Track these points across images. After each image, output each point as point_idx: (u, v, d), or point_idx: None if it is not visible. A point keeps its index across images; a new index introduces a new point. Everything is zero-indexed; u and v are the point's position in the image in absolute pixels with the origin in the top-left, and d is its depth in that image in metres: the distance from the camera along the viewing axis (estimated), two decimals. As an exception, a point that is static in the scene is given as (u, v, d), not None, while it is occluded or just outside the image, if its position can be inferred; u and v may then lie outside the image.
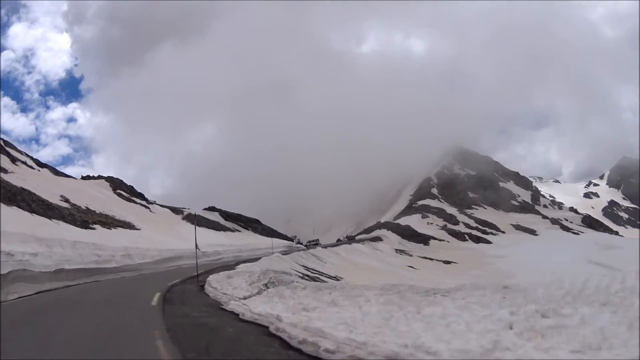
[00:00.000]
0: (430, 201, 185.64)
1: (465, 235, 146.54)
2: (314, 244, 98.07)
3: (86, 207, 56.44)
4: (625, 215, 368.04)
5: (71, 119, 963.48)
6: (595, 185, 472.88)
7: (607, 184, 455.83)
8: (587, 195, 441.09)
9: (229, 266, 33.30)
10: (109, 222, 50.72)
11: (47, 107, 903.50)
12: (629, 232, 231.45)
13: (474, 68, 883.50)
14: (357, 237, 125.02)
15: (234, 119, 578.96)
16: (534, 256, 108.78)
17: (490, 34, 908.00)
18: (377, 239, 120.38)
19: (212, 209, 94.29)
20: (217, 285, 18.29)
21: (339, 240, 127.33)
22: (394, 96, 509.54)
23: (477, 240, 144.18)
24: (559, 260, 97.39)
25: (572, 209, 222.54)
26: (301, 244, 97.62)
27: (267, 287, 15.99)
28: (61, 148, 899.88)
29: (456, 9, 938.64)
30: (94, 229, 41.99)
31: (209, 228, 77.78)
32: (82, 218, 44.77)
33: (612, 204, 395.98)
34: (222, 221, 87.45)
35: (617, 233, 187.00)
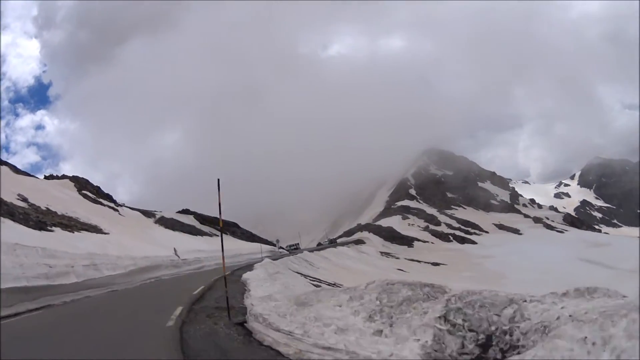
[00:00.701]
0: (409, 202, 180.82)
1: (449, 236, 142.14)
2: (294, 248, 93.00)
3: (46, 208, 49.34)
4: (599, 215, 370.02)
5: (39, 127, 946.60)
6: (566, 185, 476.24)
7: (578, 184, 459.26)
8: (557, 196, 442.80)
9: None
10: (71, 224, 43.70)
11: (17, 115, 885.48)
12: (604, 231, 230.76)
13: (451, 69, 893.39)
14: (338, 240, 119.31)
15: (206, 122, 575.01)
16: (522, 255, 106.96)
17: (470, 35, 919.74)
18: (360, 241, 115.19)
19: (186, 211, 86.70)
20: (286, 323, 9.10)
21: (319, 244, 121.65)
22: (369, 98, 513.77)
23: (462, 240, 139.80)
24: (549, 259, 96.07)
25: (552, 208, 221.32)
26: (283, 248, 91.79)
27: (453, 327, 6.83)
28: (30, 156, 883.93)
29: (435, 10, 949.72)
30: (51, 231, 34.98)
31: (184, 232, 70.86)
32: (39, 219, 37.85)
33: (585, 203, 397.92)
34: (197, 225, 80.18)
35: (599, 231, 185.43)
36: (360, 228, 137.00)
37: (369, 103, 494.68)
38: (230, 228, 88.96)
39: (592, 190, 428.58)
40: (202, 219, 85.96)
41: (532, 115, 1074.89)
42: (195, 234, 73.45)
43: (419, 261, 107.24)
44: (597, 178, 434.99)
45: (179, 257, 45.36)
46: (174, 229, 68.59)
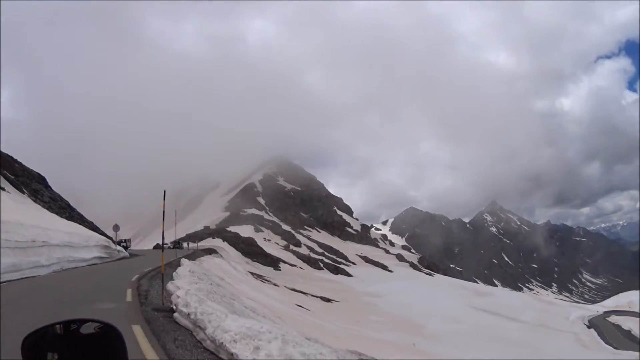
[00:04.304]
0: (258, 211, 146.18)
1: (319, 263, 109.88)
2: (124, 245, 60.97)
3: None
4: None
5: None
6: (377, 229, 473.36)
7: (390, 230, 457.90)
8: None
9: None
10: None
11: None
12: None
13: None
14: (185, 246, 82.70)
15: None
16: (411, 297, 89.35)
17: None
18: (213, 251, 78.43)
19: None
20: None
21: (158, 244, 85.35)
22: (208, 97, 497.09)
23: (335, 270, 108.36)
24: (446, 305, 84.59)
25: (405, 247, 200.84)
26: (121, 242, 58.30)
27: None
28: None
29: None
30: None
31: None
32: None
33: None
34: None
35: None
36: (211, 233, 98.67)
37: (207, 102, 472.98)
38: (30, 183, 46.51)
39: (404, 238, 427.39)
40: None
41: (350, 154, 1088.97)
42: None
43: (304, 293, 76.33)
44: (411, 227, 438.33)
45: None
46: None
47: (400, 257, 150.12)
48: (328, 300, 77.23)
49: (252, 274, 77.28)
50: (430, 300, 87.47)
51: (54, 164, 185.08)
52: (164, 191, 11.71)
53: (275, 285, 75.18)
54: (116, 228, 45.81)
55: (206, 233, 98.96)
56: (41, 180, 50.77)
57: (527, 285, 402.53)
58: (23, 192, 41.35)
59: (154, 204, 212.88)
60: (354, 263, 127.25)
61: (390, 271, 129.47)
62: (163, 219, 13.82)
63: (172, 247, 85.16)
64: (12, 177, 42.11)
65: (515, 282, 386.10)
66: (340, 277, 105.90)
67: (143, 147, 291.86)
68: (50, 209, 42.50)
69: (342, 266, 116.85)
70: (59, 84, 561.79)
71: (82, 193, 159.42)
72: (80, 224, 45.40)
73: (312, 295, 77.78)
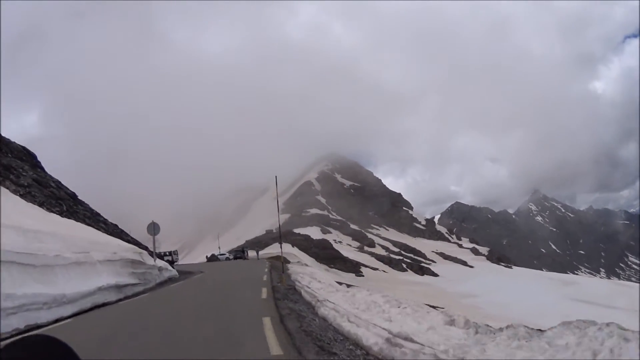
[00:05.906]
0: (320, 211, 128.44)
1: (402, 264, 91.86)
2: (169, 260, 46.21)
3: None
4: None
5: None
6: (424, 226, 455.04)
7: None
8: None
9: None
10: None
11: None
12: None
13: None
14: (254, 255, 66.94)
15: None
16: (507, 294, 76.33)
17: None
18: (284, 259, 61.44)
19: None
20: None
21: (213, 256, 74.40)
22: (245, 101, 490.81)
23: (420, 271, 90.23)
24: (546, 300, 73.13)
25: (473, 241, 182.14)
26: (165, 255, 46.87)
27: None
28: None
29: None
30: None
31: None
32: None
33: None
34: None
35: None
36: (276, 237, 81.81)
37: (250, 106, 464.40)
38: (4, 158, 27.65)
39: (453, 233, 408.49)
40: None
41: (390, 156, 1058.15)
42: None
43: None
44: (458, 222, 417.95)
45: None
46: None
47: (475, 251, 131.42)
48: (433, 307, 59.83)
49: (346, 285, 61.00)
50: (527, 296, 75.27)
51: (87, 178, 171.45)
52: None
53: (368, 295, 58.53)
54: (154, 229, 26.22)
55: (270, 238, 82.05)
56: (27, 156, 31.97)
57: (576, 272, 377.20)
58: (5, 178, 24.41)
59: (197, 216, 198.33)
60: (433, 261, 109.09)
61: (471, 267, 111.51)
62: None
63: (232, 257, 68.33)
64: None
65: (564, 270, 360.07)
66: (426, 277, 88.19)
67: (184, 157, 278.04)
68: (30, 196, 25.04)
69: (424, 265, 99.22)
70: (92, 100, 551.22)
71: (117, 207, 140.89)
72: (91, 225, 27.61)
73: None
